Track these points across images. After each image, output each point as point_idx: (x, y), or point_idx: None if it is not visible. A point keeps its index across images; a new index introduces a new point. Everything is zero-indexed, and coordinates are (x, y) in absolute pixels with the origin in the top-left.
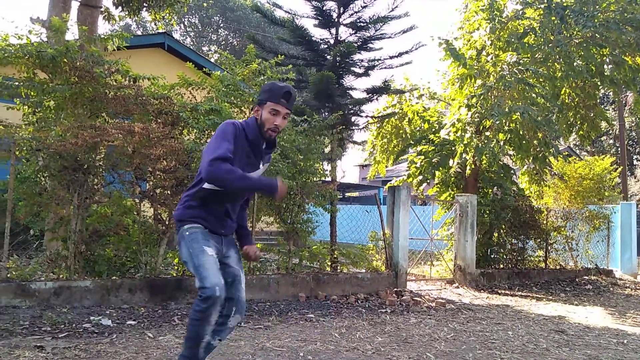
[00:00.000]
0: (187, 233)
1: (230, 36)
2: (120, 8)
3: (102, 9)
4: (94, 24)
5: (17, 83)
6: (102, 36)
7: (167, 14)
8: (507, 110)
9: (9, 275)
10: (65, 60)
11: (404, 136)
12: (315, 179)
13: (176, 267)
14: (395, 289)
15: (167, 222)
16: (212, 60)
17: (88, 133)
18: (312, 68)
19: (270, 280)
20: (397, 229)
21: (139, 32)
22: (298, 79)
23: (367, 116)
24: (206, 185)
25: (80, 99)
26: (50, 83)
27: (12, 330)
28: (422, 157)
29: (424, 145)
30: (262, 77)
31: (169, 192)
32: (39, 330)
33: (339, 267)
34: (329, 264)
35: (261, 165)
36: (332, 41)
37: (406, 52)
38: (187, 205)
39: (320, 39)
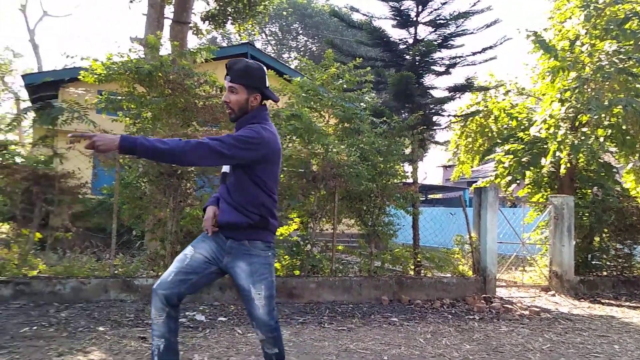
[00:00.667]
0: None
1: (310, 42)
2: (207, 22)
3: (191, 25)
4: (184, 39)
5: (119, 97)
6: (192, 50)
7: (250, 25)
8: (606, 103)
9: (116, 272)
10: (159, 74)
11: (489, 135)
12: (395, 180)
13: None
14: (484, 295)
15: None
16: (292, 66)
17: None
18: (390, 69)
19: (352, 283)
20: (484, 232)
21: (224, 44)
22: (377, 81)
23: (449, 115)
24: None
25: (174, 109)
26: (147, 96)
27: (120, 322)
28: (511, 156)
29: (513, 143)
30: (341, 81)
31: None
32: (142, 322)
33: (422, 271)
34: (412, 267)
35: None
36: (410, 41)
37: (490, 47)
38: None
39: (399, 39)
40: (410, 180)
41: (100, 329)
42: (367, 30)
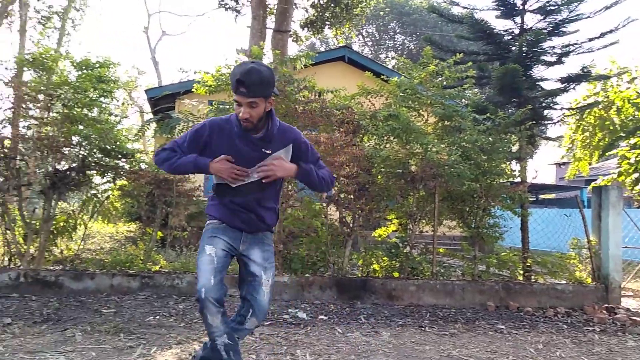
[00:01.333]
0: (205, 228)
1: (407, 40)
2: (306, 29)
3: (291, 33)
4: (285, 47)
5: (227, 106)
6: (292, 57)
7: (347, 28)
8: None
9: None
10: None
11: (611, 128)
12: (501, 180)
13: (361, 268)
14: (606, 305)
15: (351, 225)
16: (390, 66)
17: None
18: (494, 62)
19: (454, 286)
20: (605, 236)
21: (322, 49)
22: (479, 76)
23: (562, 108)
24: (216, 180)
25: (276, 115)
26: None
27: (230, 315)
28: (637, 151)
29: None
30: (440, 78)
31: (352, 196)
32: None
33: (532, 277)
34: (521, 272)
35: (269, 152)
36: (516, 31)
37: (611, 31)
38: (209, 199)
39: (503, 30)
40: (518, 180)
41: None
42: (468, 23)
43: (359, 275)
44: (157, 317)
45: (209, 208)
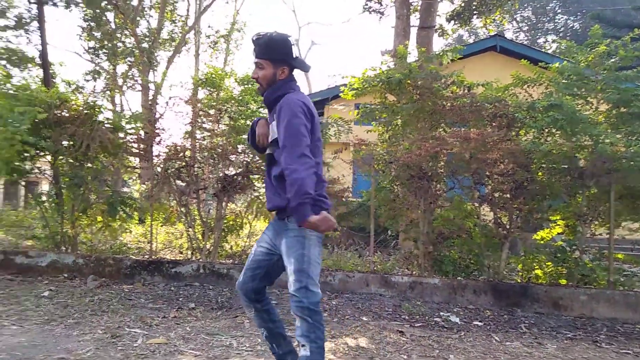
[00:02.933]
0: None
1: (570, 20)
2: (452, 22)
3: (436, 27)
4: (430, 43)
5: (374, 108)
6: (438, 53)
7: (498, 16)
8: None
9: (375, 268)
10: (409, 81)
11: None
12: None
13: (520, 273)
14: None
15: (507, 227)
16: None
17: (429, 144)
18: None
19: (639, 299)
20: None
21: (470, 40)
22: None
23: None
24: None
25: (422, 113)
26: (398, 104)
27: (380, 314)
28: None
29: None
30: (613, 59)
31: (508, 195)
32: (399, 317)
33: None
34: None
35: (270, 121)
36: None
37: None
38: None
39: None
40: None
41: (364, 318)
42: None
43: (519, 280)
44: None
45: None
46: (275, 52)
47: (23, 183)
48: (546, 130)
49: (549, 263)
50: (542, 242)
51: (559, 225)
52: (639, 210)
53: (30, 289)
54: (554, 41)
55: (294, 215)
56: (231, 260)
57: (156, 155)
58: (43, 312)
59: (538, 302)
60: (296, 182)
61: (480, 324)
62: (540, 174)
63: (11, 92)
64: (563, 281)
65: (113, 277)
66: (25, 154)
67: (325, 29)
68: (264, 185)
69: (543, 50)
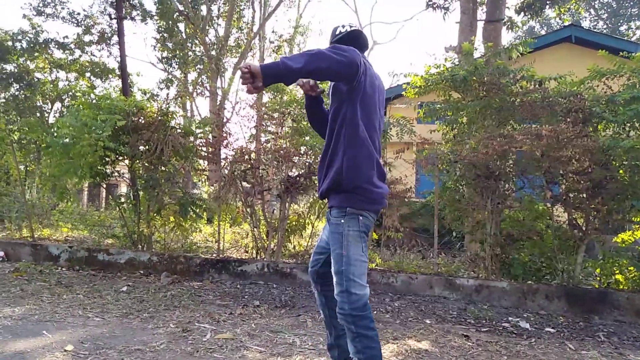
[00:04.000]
0: None
1: None
2: (522, 14)
3: (504, 20)
4: (498, 37)
5: (437, 106)
6: (506, 47)
7: (573, 4)
8: None
9: (439, 270)
10: (474, 78)
11: None
12: None
13: (598, 278)
14: None
15: (583, 228)
16: (633, 39)
17: (497, 142)
18: None
19: None
20: None
21: (542, 32)
22: None
23: None
24: None
25: (489, 110)
26: (463, 101)
27: (444, 317)
28: None
29: None
30: None
31: (584, 195)
32: (464, 321)
33: None
34: None
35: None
36: None
37: None
38: None
39: None
40: None
41: (427, 321)
42: None
43: (596, 286)
44: (375, 312)
45: None
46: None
47: (104, 186)
48: (628, 124)
49: (632, 268)
50: (623, 245)
51: None
52: None
53: (111, 284)
54: (638, 28)
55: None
56: (294, 260)
57: (224, 158)
58: (122, 305)
59: (619, 310)
60: (317, 54)
61: (552, 330)
62: (621, 171)
63: (94, 102)
64: None
65: (184, 274)
66: (107, 159)
67: (389, 28)
68: None
69: (625, 38)
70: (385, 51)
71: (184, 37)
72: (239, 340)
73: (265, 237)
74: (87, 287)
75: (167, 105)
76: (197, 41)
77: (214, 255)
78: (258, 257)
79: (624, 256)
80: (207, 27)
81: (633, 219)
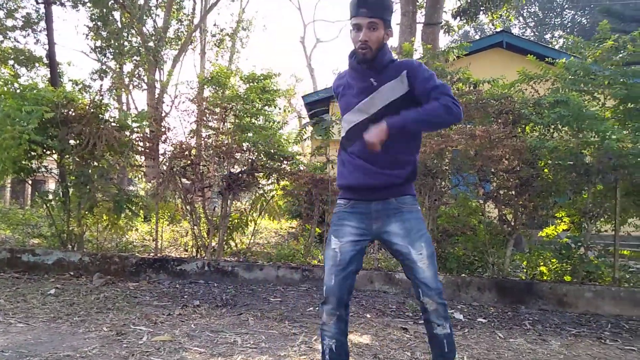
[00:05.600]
0: (334, 210)
1: (578, 15)
2: (458, 18)
3: (442, 24)
4: (436, 40)
5: None
6: (443, 50)
7: (505, 12)
8: None
9: (379, 265)
10: None
11: None
12: None
13: (525, 270)
14: None
15: (512, 224)
16: (557, 47)
17: (434, 141)
18: None
19: None
20: None
21: (476, 37)
22: None
23: None
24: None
25: None
26: None
27: (384, 311)
28: None
29: None
30: (621, 54)
31: (513, 192)
32: (403, 314)
33: None
34: None
35: (376, 85)
36: None
37: None
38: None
39: None
40: None
41: (368, 315)
42: None
43: (523, 277)
44: (317, 307)
45: (338, 181)
46: (389, 13)
47: (30, 182)
48: (552, 126)
49: (554, 260)
50: (547, 239)
51: (564, 222)
52: None
53: (37, 287)
54: (560, 37)
55: (412, 124)
56: (236, 258)
57: (162, 154)
58: (49, 309)
59: (542, 299)
60: (453, 111)
61: (484, 320)
62: (546, 170)
63: (19, 91)
64: (568, 278)
65: (119, 275)
66: (32, 153)
67: (331, 27)
68: (347, 162)
69: (550, 46)
70: (329, 49)
71: (120, 26)
72: (178, 341)
73: (206, 235)
74: (9, 291)
75: (101, 97)
76: (133, 31)
77: (152, 254)
78: (198, 256)
79: (548, 249)
80: (144, 17)
81: (556, 214)
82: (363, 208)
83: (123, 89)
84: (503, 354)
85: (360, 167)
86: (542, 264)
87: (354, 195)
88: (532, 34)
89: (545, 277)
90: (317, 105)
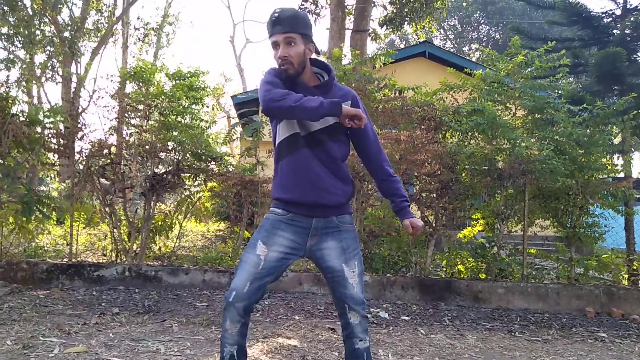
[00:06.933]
0: (266, 215)
1: (492, 31)
2: (385, 27)
3: (369, 32)
4: (364, 46)
5: None
6: (371, 57)
7: (427, 23)
8: None
9: (308, 267)
10: (343, 83)
11: None
12: (601, 176)
13: (444, 269)
14: None
15: (433, 225)
16: (474, 59)
17: None
18: (591, 48)
19: (548, 290)
20: None
21: (401, 46)
22: (574, 64)
23: None
24: (279, 138)
25: None
26: None
27: (312, 312)
28: None
29: None
30: (530, 69)
31: (434, 195)
32: (331, 315)
33: None
34: (626, 276)
35: None
36: (618, 12)
37: None
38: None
39: (602, 13)
40: (622, 175)
41: (296, 317)
42: (560, 7)
43: (443, 276)
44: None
45: (272, 191)
46: (306, 27)
47: None
48: (469, 133)
49: (470, 259)
50: (464, 239)
51: (479, 223)
52: (550, 209)
53: None
54: (477, 49)
55: (333, 109)
56: (160, 262)
57: (78, 152)
58: None
59: (460, 296)
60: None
61: (407, 318)
62: (463, 174)
63: None
64: (482, 275)
65: (27, 282)
66: None
67: (262, 27)
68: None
69: (468, 57)
70: (259, 49)
71: (30, 13)
72: (94, 352)
73: (126, 239)
74: None
75: (7, 89)
76: (47, 19)
77: (65, 259)
78: (118, 261)
79: (465, 249)
80: (59, 5)
81: (472, 216)
82: (303, 223)
83: (34, 81)
84: (425, 349)
85: (305, 181)
86: (459, 262)
87: (296, 210)
88: (451, 45)
89: (462, 275)
90: (246, 106)
